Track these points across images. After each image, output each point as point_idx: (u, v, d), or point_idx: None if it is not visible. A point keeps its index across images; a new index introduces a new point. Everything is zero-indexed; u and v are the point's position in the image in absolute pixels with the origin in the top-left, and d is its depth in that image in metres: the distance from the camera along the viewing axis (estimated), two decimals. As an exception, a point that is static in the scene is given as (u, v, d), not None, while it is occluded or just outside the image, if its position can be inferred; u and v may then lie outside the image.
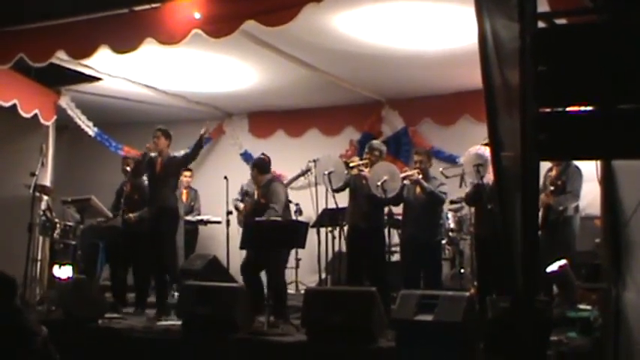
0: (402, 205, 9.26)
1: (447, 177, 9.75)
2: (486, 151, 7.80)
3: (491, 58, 4.18)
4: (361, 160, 9.35)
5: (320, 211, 10.26)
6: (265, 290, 8.75)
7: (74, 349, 7.77)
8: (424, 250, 8.92)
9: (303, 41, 9.17)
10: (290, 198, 9.78)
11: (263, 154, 9.62)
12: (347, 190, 9.28)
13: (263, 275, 8.99)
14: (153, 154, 9.46)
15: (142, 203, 9.82)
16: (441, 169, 9.79)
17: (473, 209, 9.24)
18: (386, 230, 9.08)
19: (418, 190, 9.05)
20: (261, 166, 9.35)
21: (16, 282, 5.85)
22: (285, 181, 10.83)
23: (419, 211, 9.03)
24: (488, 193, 8.05)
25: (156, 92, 11.92)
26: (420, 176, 9.05)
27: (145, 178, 9.91)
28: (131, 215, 9.76)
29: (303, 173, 10.85)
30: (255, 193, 9.42)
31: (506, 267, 4.26)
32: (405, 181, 9.02)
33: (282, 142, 12.78)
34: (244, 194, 10.30)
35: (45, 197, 10.70)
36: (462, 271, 10.20)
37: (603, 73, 3.73)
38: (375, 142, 9.88)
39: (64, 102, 11.55)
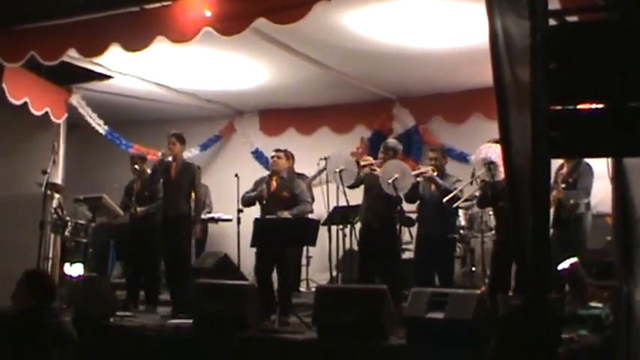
0: (417, 203, 9.28)
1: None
2: (497, 150, 7.79)
3: (502, 56, 4.17)
4: (375, 159, 9.34)
5: (331, 209, 10.27)
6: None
7: (85, 347, 7.82)
8: (438, 247, 8.93)
9: (314, 39, 9.17)
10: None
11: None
12: (361, 187, 9.27)
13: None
14: (168, 159, 9.49)
15: (151, 200, 9.86)
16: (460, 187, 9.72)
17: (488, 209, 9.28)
18: (397, 228, 9.09)
19: (433, 187, 9.06)
20: (290, 153, 9.40)
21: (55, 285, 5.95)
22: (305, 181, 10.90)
23: (434, 209, 9.03)
24: (500, 191, 8.04)
25: (167, 90, 11.93)
26: (435, 173, 9.06)
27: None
28: (138, 209, 9.79)
29: (320, 172, 10.85)
30: (274, 181, 9.26)
31: (518, 265, 4.26)
32: (418, 178, 9.03)
33: (293, 140, 12.74)
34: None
35: (56, 195, 10.73)
36: (473, 269, 10.18)
37: (614, 70, 3.72)
38: (390, 140, 9.87)
39: (75, 100, 11.57)
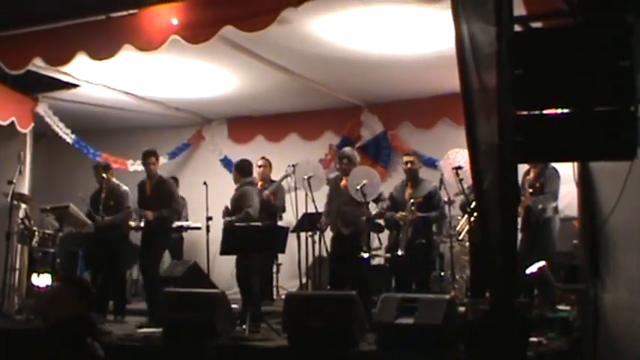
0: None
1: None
2: (465, 155, 7.84)
3: (469, 62, 4.20)
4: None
5: (300, 216, 10.26)
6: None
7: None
8: (411, 253, 8.93)
9: (282, 46, 9.17)
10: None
11: (245, 159, 9.63)
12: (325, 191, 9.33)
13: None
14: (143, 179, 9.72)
15: (117, 209, 9.82)
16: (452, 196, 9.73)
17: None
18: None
19: (408, 192, 9.09)
20: (240, 168, 9.38)
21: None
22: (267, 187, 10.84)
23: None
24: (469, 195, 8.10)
25: (134, 99, 11.86)
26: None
27: (119, 183, 10.18)
28: (105, 218, 9.75)
29: (283, 178, 10.82)
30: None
31: (487, 268, 4.28)
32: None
33: (262, 147, 12.73)
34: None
35: (23, 205, 10.63)
36: (442, 274, 10.20)
37: (579, 75, 3.76)
38: (345, 149, 9.89)
39: (42, 109, 11.44)
